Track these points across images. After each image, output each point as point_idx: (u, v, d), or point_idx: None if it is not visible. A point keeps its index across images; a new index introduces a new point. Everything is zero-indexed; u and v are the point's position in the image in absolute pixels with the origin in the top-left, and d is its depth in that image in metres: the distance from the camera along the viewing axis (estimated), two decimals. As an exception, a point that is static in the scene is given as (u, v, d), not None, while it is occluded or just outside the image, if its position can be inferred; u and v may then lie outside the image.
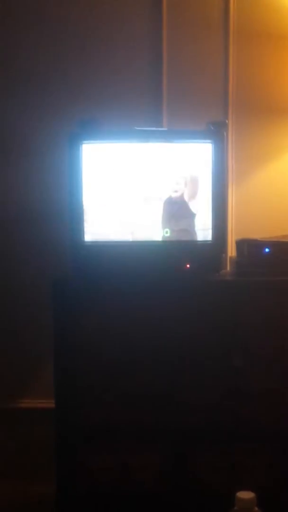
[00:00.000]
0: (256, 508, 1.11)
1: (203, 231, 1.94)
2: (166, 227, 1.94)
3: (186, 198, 1.94)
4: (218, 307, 1.91)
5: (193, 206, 1.94)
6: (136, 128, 1.98)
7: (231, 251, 2.19)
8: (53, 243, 2.30)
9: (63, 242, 2.03)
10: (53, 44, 2.32)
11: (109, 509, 1.95)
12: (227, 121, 2.22)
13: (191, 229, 1.95)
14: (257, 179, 2.32)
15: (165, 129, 2.23)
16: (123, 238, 1.95)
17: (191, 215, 1.94)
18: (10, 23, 2.33)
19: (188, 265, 1.93)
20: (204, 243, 1.95)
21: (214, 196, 1.93)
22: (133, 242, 1.94)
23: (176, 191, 1.93)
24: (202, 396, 1.92)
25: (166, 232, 1.94)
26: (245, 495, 1.11)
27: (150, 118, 2.28)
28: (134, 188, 1.94)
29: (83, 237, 1.93)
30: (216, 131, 1.94)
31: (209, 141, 1.92)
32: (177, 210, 1.94)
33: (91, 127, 1.95)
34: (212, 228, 1.94)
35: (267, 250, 1.97)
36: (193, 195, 1.94)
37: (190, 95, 2.29)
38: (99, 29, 2.30)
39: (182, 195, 1.94)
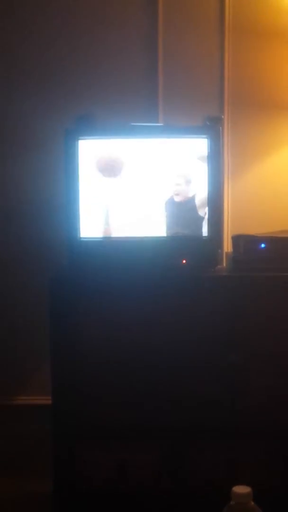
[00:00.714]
0: (252, 503, 1.11)
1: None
2: (170, 230, 1.94)
3: (197, 202, 1.93)
4: (214, 303, 1.91)
5: (202, 211, 1.94)
6: (132, 124, 1.98)
7: (227, 246, 2.19)
8: (49, 239, 2.29)
9: (59, 239, 2.03)
10: (49, 41, 2.31)
11: (107, 506, 1.94)
12: (223, 117, 2.21)
13: (198, 232, 1.95)
14: (253, 174, 2.32)
15: (161, 124, 2.23)
16: (119, 234, 1.94)
17: (199, 219, 1.94)
18: (9, 20, 2.32)
19: (184, 261, 1.93)
20: (200, 239, 1.94)
21: (210, 192, 1.93)
22: (129, 238, 1.94)
23: (177, 194, 1.93)
24: (200, 393, 1.92)
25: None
26: (241, 489, 1.10)
27: (146, 113, 2.28)
28: (129, 184, 1.93)
29: (79, 233, 1.93)
30: (212, 126, 1.94)
31: (205, 136, 1.92)
32: (185, 213, 1.94)
33: (87, 123, 1.95)
34: (208, 224, 1.94)
35: (263, 245, 1.97)
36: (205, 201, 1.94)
37: (186, 90, 2.28)
38: (95, 25, 2.30)
39: (192, 198, 1.93)
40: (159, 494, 1.94)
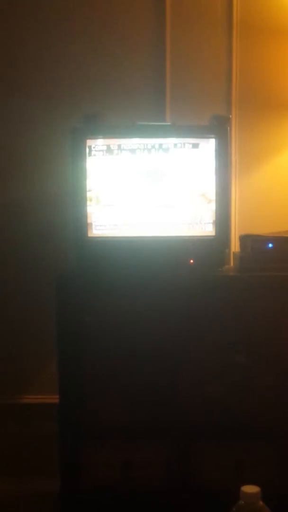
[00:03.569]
0: (261, 502, 1.11)
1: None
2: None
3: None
4: (221, 303, 1.91)
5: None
6: (139, 123, 1.97)
7: (235, 246, 2.19)
8: (57, 238, 2.30)
9: (67, 238, 2.03)
10: (56, 38, 2.31)
11: (112, 505, 1.95)
12: (230, 116, 2.21)
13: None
14: (260, 174, 2.31)
15: (169, 123, 2.22)
16: (127, 233, 1.94)
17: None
18: (12, 17, 2.32)
19: (192, 261, 1.92)
20: (208, 239, 1.94)
21: (218, 191, 1.92)
22: (136, 237, 1.94)
23: None
24: (205, 392, 1.92)
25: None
26: (250, 489, 1.10)
27: (153, 113, 2.28)
28: (137, 183, 1.93)
29: (87, 232, 1.93)
30: (219, 126, 1.94)
31: (212, 135, 1.92)
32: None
33: (95, 122, 1.95)
34: (216, 223, 1.93)
35: (270, 245, 1.97)
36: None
37: (193, 89, 2.28)
38: (102, 23, 2.29)
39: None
40: (165, 493, 1.94)
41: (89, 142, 1.92)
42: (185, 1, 2.28)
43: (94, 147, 1.92)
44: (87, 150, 1.91)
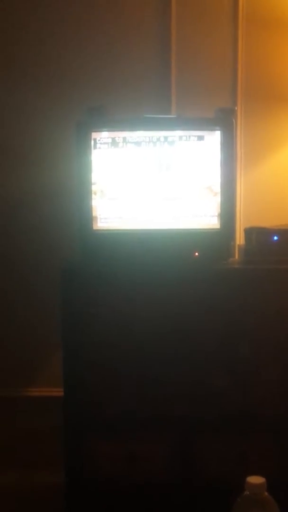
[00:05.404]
0: (266, 493, 1.11)
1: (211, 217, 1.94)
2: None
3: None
4: (226, 295, 1.91)
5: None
6: (145, 115, 1.97)
7: (240, 239, 2.18)
8: (62, 231, 2.30)
9: (72, 231, 2.03)
10: (59, 31, 2.31)
11: (116, 498, 1.95)
12: (236, 108, 2.21)
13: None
14: (266, 166, 2.31)
15: (174, 116, 2.22)
16: (132, 226, 1.94)
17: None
18: (14, 9, 2.31)
19: (196, 253, 1.92)
20: (213, 231, 1.94)
21: (223, 184, 1.92)
22: (141, 230, 1.94)
23: None
24: (209, 385, 1.92)
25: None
26: (256, 479, 1.11)
27: (159, 105, 2.27)
28: (142, 176, 1.93)
29: (92, 225, 1.93)
30: (224, 118, 1.93)
31: (218, 128, 1.91)
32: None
33: (100, 115, 1.95)
34: (221, 216, 1.93)
35: (275, 238, 1.97)
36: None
37: (199, 82, 2.27)
38: (107, 15, 2.29)
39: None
40: (169, 485, 1.95)
41: (94, 135, 1.92)
42: (190, -7, 2.27)
43: (99, 140, 1.92)
44: (92, 143, 1.91)
